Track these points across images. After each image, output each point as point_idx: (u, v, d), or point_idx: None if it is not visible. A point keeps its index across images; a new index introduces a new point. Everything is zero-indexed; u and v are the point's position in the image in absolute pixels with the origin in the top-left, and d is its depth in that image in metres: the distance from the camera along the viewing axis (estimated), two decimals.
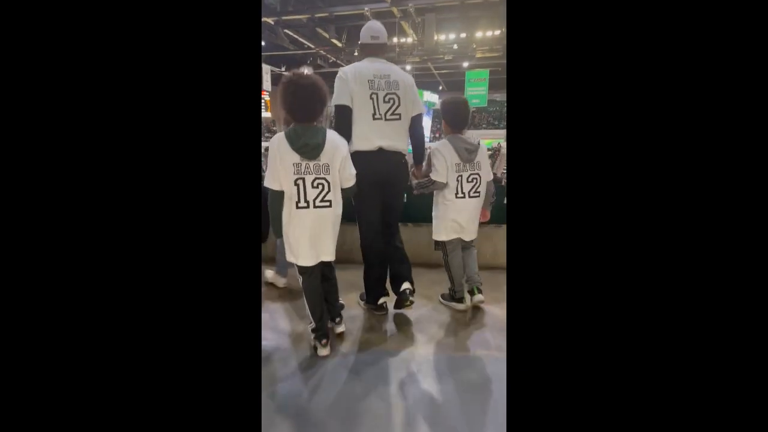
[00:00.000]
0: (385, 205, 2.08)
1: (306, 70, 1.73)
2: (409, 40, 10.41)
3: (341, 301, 2.01)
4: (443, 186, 2.12)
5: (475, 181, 2.14)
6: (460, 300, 2.22)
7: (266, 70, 10.42)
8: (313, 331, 1.80)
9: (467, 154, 2.09)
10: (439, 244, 2.22)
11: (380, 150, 1.95)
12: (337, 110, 1.92)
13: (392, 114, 1.96)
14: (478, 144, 2.16)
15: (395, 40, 10.27)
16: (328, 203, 1.69)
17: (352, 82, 1.88)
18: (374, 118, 1.92)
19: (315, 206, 1.66)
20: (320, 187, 1.67)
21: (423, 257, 2.72)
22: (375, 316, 2.15)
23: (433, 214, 2.22)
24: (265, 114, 10.16)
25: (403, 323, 2.10)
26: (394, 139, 1.98)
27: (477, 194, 2.16)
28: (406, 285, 2.02)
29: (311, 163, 1.64)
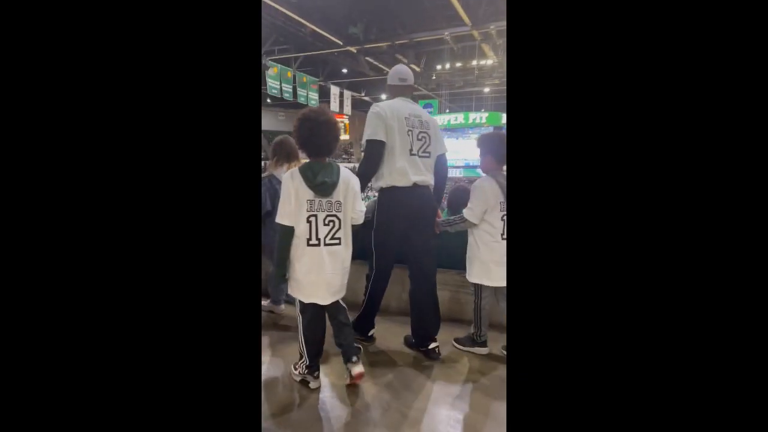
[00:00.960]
0: (417, 248, 2.00)
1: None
2: (489, 62, 10.17)
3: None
4: (472, 226, 1.98)
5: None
6: (484, 344, 2.07)
7: (347, 95, 10.95)
8: (306, 367, 1.72)
9: None
10: (476, 288, 2.04)
11: (414, 185, 1.94)
12: (370, 145, 1.91)
13: (423, 152, 2.00)
14: None
15: (474, 62, 10.10)
16: (338, 241, 1.64)
17: (390, 118, 1.89)
18: (410, 154, 1.94)
19: (325, 244, 1.62)
20: (331, 224, 1.63)
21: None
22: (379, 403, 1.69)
23: (470, 255, 2.04)
24: (344, 137, 10.65)
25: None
26: (425, 174, 1.99)
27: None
28: (434, 344, 2.04)
29: (324, 200, 1.61)
